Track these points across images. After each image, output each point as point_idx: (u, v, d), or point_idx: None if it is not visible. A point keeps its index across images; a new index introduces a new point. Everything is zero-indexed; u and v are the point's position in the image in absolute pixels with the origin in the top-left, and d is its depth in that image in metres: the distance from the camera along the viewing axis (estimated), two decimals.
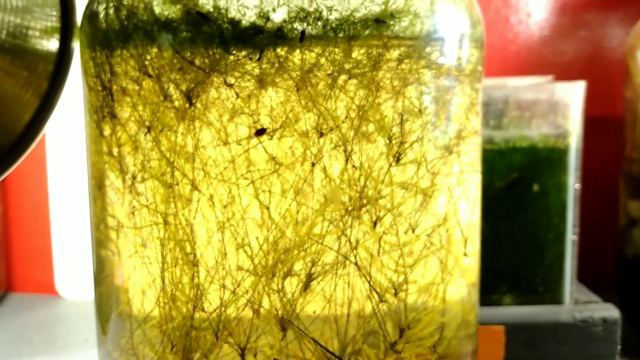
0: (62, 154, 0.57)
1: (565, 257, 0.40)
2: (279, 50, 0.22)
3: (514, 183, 0.40)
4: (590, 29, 0.56)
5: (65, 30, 0.26)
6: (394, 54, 0.23)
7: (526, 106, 0.39)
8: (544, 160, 0.39)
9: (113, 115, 0.24)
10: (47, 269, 0.60)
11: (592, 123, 0.44)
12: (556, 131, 0.39)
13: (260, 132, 0.22)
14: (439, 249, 0.24)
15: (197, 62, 0.22)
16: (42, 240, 0.60)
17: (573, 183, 0.39)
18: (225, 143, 0.22)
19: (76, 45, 0.26)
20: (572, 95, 0.39)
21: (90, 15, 0.24)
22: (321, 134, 0.22)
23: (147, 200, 0.23)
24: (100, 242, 0.26)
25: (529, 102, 0.39)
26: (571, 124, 0.39)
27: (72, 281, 0.59)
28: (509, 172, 0.39)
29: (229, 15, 0.22)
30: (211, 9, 0.22)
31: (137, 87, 0.23)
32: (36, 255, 0.61)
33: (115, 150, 0.24)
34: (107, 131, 0.24)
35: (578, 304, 0.40)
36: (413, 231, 0.23)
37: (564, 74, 0.54)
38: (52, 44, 0.26)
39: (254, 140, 0.22)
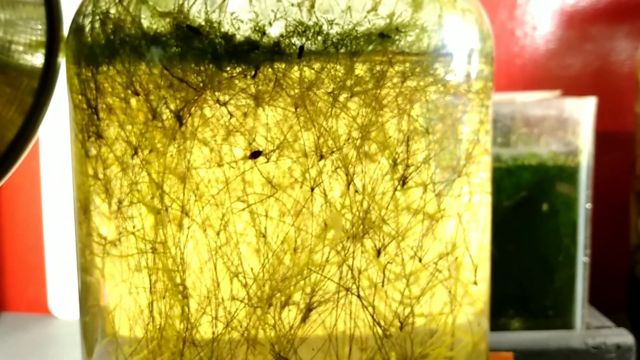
0: (57, 169, 0.56)
1: (576, 280, 0.38)
2: (276, 66, 0.20)
3: (523, 202, 0.38)
4: (597, 43, 0.55)
5: (51, 45, 0.24)
6: (399, 70, 0.21)
7: (535, 122, 0.38)
8: (553, 179, 0.38)
9: (99, 135, 0.22)
10: (41, 288, 0.59)
11: (600, 139, 0.42)
12: (566, 148, 0.38)
13: (256, 154, 0.21)
14: (448, 278, 0.23)
15: (188, 79, 0.21)
16: (36, 259, 0.59)
17: (584, 202, 0.38)
18: (219, 165, 0.21)
19: (62, 60, 0.25)
20: (583, 111, 0.37)
21: (76, 29, 0.23)
22: (321, 157, 0.21)
23: (134, 227, 0.22)
24: (85, 269, 0.24)
25: (538, 119, 0.38)
26: (582, 141, 0.38)
27: (65, 301, 0.58)
28: (517, 191, 0.38)
29: (222, 30, 0.20)
30: (203, 23, 0.20)
31: (124, 106, 0.21)
32: (29, 273, 0.60)
33: (101, 172, 0.23)
34: (92, 152, 0.23)
35: (590, 328, 0.38)
36: (420, 260, 0.22)
37: (571, 88, 0.53)
38: (36, 59, 0.24)
39: (250, 162, 0.21)
